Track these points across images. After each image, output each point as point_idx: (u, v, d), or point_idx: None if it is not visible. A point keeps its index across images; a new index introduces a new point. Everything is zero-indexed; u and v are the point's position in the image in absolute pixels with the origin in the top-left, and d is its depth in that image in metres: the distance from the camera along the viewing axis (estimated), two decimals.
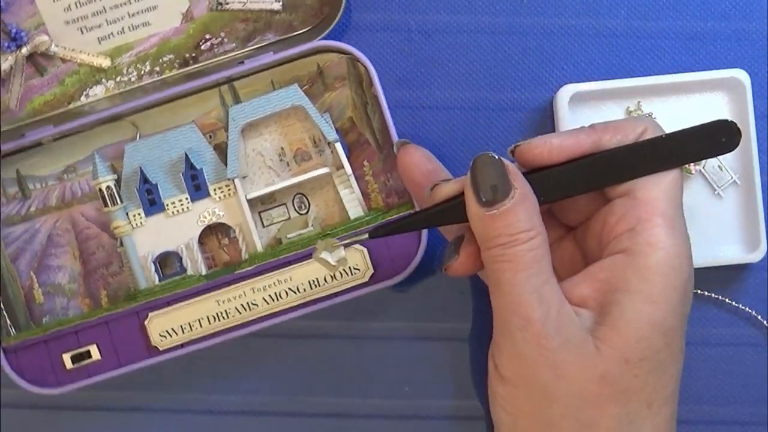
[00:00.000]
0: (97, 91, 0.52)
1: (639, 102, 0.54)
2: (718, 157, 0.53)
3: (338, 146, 0.52)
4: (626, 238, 0.41)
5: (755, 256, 0.53)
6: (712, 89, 0.54)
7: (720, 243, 0.53)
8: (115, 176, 0.52)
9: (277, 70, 0.52)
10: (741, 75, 0.53)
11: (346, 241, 0.44)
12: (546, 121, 0.54)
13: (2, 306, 0.51)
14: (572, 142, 0.42)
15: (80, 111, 0.52)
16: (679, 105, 0.54)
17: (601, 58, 0.54)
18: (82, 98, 0.52)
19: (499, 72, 0.54)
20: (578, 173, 0.42)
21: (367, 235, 0.44)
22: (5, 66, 0.51)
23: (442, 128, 0.54)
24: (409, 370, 0.54)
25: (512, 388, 0.41)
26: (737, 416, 0.54)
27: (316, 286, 0.51)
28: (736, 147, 0.43)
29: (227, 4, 0.52)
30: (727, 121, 0.43)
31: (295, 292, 0.51)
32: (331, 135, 0.52)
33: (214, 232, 0.53)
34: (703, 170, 0.53)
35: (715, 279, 0.54)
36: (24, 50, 0.51)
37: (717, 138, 0.43)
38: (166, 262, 0.53)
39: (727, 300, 0.54)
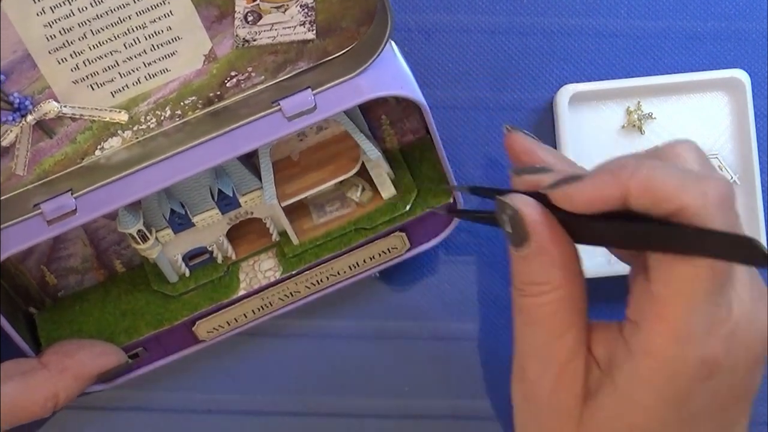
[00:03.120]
0: (113, 143, 0.47)
1: (639, 102, 0.54)
2: (718, 156, 0.53)
3: (382, 162, 0.50)
4: (629, 328, 0.37)
5: None
6: (712, 89, 0.54)
7: None
8: (142, 219, 0.48)
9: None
10: (741, 75, 0.53)
11: (428, 210, 0.49)
12: (546, 121, 0.54)
13: (16, 294, 0.50)
14: (597, 200, 0.37)
15: (95, 165, 0.47)
16: (679, 105, 0.54)
17: (601, 58, 0.54)
18: (97, 152, 0.47)
19: (499, 72, 0.54)
20: (606, 229, 0.38)
21: (445, 211, 0.49)
22: (10, 138, 0.45)
23: (442, 128, 0.54)
24: (409, 370, 0.54)
25: (516, 417, 0.42)
26: None
27: (356, 267, 0.51)
28: (760, 265, 0.35)
29: (254, 40, 0.46)
30: (751, 240, 0.34)
31: (335, 275, 0.51)
32: (374, 154, 0.49)
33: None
34: None
35: None
36: (30, 118, 0.45)
37: (742, 250, 0.35)
38: (196, 255, 0.52)
39: None
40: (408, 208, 0.51)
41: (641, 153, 0.39)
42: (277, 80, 0.47)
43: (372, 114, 0.51)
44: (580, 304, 0.39)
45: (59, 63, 0.44)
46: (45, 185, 0.46)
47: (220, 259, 0.51)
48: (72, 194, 0.45)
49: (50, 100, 0.45)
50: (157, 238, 0.49)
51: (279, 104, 0.45)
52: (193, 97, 0.47)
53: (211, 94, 0.47)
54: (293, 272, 0.50)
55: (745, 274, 0.38)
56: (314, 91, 0.45)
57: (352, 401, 0.54)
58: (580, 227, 0.38)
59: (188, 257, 0.51)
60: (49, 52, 0.44)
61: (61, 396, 0.46)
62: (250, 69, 0.47)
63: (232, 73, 0.47)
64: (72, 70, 0.44)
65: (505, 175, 0.54)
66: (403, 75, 0.47)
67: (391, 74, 0.46)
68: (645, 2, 0.54)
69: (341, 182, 0.50)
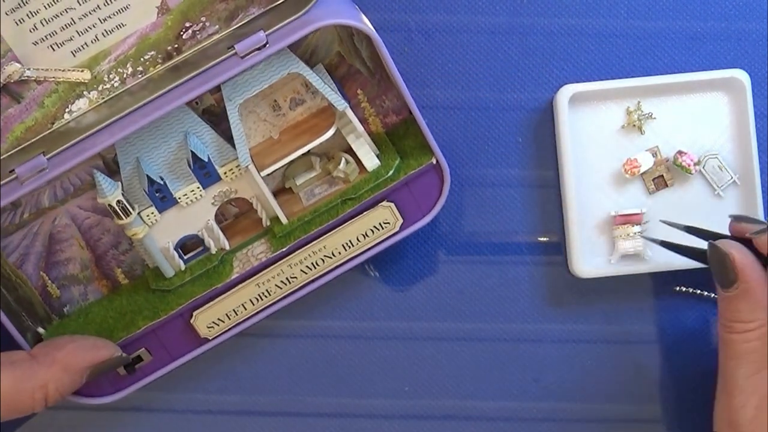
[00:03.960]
0: (80, 105, 0.48)
1: (639, 102, 0.54)
2: (718, 156, 0.53)
3: (349, 112, 0.50)
4: None
5: None
6: (712, 89, 0.54)
7: None
8: (121, 188, 0.49)
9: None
10: (741, 75, 0.53)
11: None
12: (546, 121, 0.54)
13: (21, 310, 0.50)
14: None
15: (66, 129, 0.48)
16: (679, 105, 0.54)
17: (601, 58, 0.54)
18: (66, 115, 0.48)
19: (499, 72, 0.54)
20: None
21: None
22: None
23: (442, 128, 0.54)
24: (409, 370, 0.54)
25: None
26: None
27: (350, 247, 0.51)
28: None
29: None
30: None
31: (330, 257, 0.51)
32: (341, 104, 0.50)
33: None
34: (703, 170, 0.53)
35: None
36: None
37: None
38: (188, 245, 0.52)
39: None
40: (390, 173, 0.51)
41: None
42: (232, 29, 0.48)
43: (348, 90, 0.52)
44: None
45: (17, 24, 0.45)
46: (20, 153, 0.47)
47: (213, 250, 0.51)
48: (45, 155, 0.46)
49: (12, 62, 0.46)
50: (141, 217, 0.50)
51: (234, 48, 0.46)
52: (152, 52, 0.48)
53: (169, 48, 0.48)
54: (284, 249, 0.50)
55: None
56: (267, 32, 0.46)
57: (352, 401, 0.54)
58: None
59: (180, 246, 0.51)
60: (6, 14, 0.45)
61: (51, 387, 0.45)
62: (203, 19, 0.48)
63: (187, 24, 0.48)
64: (30, 31, 0.46)
65: (505, 175, 0.54)
66: (349, 9, 0.49)
67: (337, 8, 0.48)
68: (645, 2, 0.54)
69: (327, 161, 0.51)
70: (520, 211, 0.54)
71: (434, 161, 0.50)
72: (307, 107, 0.51)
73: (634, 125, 0.54)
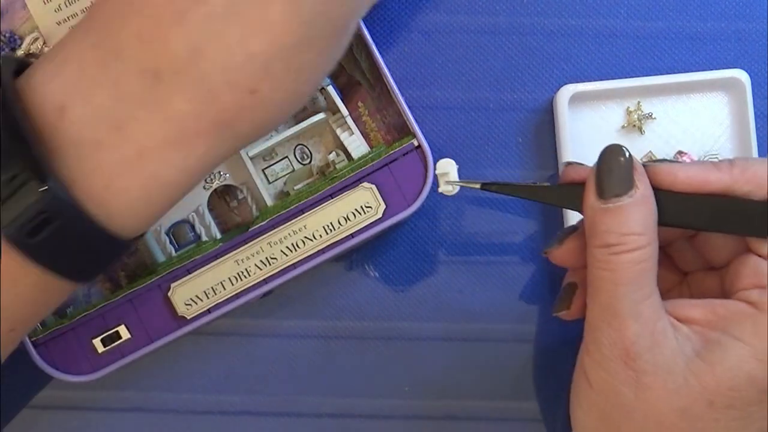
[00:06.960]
0: None
1: (639, 102, 0.54)
2: (718, 156, 0.53)
3: (330, 89, 0.51)
4: (757, 293, 0.40)
5: None
6: (712, 89, 0.54)
7: None
8: None
9: None
10: (741, 75, 0.53)
11: (460, 183, 0.47)
12: (546, 121, 0.54)
13: None
14: (700, 180, 0.40)
15: None
16: (679, 105, 0.54)
17: (601, 58, 0.54)
18: None
19: (499, 72, 0.54)
20: (703, 209, 0.40)
21: (479, 185, 0.46)
22: None
23: (442, 128, 0.54)
24: (409, 370, 0.54)
25: (594, 392, 0.41)
26: None
27: (331, 230, 0.51)
28: None
29: None
30: None
31: (311, 240, 0.51)
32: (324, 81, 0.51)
33: (221, 196, 0.52)
34: None
35: None
36: (19, 53, 0.51)
37: None
38: (180, 232, 0.52)
39: None
40: (371, 155, 0.51)
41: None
42: None
43: (348, 102, 0.52)
44: (656, 268, 0.41)
45: (45, 3, 0.50)
46: None
47: (204, 237, 0.51)
48: None
49: (35, 35, 0.51)
50: None
51: None
52: None
53: None
54: (263, 224, 0.50)
55: None
56: None
57: (352, 401, 0.54)
58: (667, 201, 0.40)
59: (171, 232, 0.51)
60: None
61: None
62: None
63: None
64: (55, 11, 0.50)
65: (505, 175, 0.54)
66: None
67: None
68: (645, 2, 0.54)
69: (324, 167, 0.52)
70: (520, 211, 0.54)
71: (415, 143, 0.50)
72: (308, 113, 0.52)
73: (634, 125, 0.54)
